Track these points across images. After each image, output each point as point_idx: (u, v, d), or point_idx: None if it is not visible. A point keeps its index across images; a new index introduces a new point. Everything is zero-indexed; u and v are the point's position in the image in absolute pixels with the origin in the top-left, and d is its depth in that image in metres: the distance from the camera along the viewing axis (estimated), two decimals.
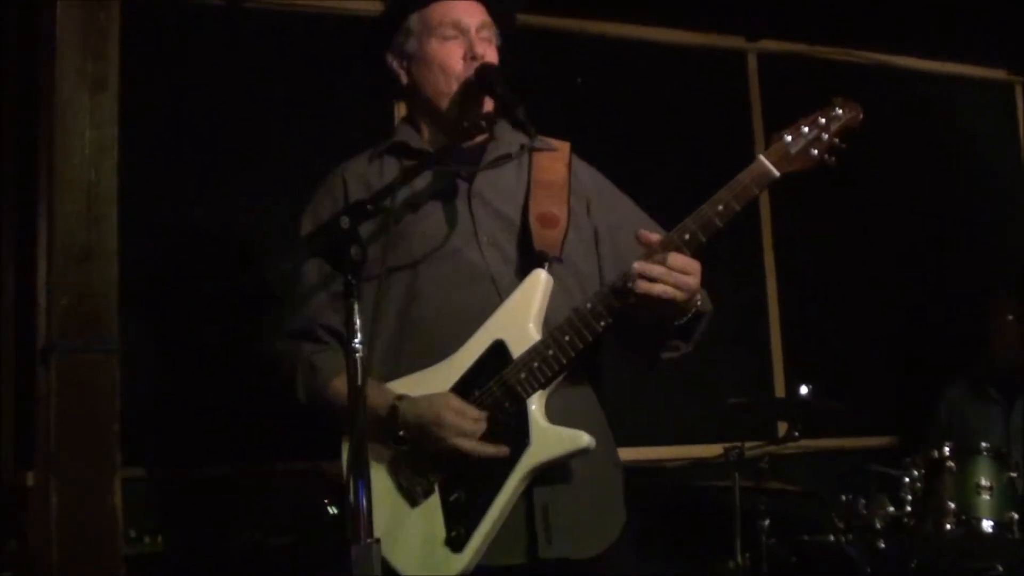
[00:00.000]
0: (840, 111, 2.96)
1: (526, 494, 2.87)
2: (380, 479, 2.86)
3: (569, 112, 5.63)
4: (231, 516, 4.66)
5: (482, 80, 3.02)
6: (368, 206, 2.59)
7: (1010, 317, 6.03)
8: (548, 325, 2.91)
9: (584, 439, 2.82)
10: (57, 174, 2.94)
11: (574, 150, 3.31)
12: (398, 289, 2.98)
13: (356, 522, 2.34)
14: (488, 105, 3.04)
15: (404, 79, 3.17)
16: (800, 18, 6.30)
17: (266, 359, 3.11)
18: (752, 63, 6.46)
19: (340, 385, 2.86)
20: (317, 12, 5.20)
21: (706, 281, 2.93)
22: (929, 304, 6.52)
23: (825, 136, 2.92)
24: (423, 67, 3.11)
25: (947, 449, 5.03)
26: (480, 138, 3.13)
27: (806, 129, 2.93)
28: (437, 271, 2.99)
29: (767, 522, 5.12)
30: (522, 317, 2.91)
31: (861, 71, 6.68)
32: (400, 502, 2.87)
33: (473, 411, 2.85)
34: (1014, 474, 5.00)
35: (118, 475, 2.85)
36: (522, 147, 3.16)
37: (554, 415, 2.88)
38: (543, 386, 2.86)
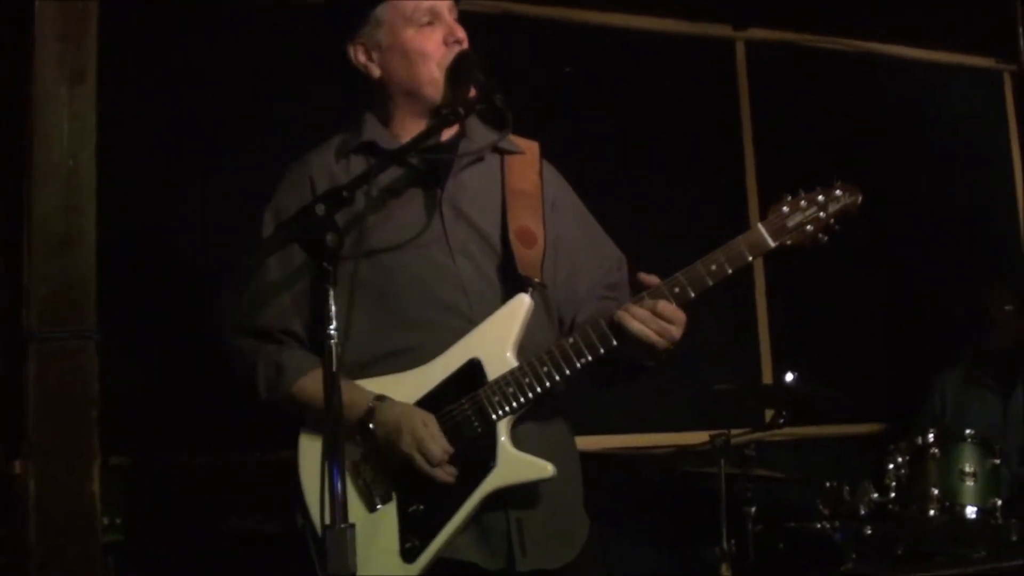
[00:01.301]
0: (840, 194, 3.01)
1: (501, 505, 2.93)
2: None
3: (556, 101, 5.65)
4: (215, 504, 4.67)
5: (461, 67, 3.02)
6: (344, 193, 2.59)
7: (1008, 307, 6.06)
8: (521, 346, 2.96)
9: (547, 469, 2.89)
10: (36, 164, 2.95)
11: (553, 145, 3.32)
12: (365, 283, 2.97)
13: (331, 508, 2.36)
14: (467, 92, 3.03)
15: (375, 72, 3.13)
16: (788, 6, 6.31)
17: (224, 352, 3.10)
18: (740, 51, 6.47)
19: (307, 384, 2.94)
20: (301, 3, 5.20)
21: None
22: (918, 291, 6.54)
23: (822, 215, 2.98)
24: (400, 56, 3.08)
25: (931, 436, 5.06)
26: (451, 134, 3.12)
27: (804, 204, 2.98)
28: (407, 268, 3.00)
29: (753, 509, 5.15)
30: (501, 340, 2.95)
31: (849, 59, 6.70)
32: (358, 504, 2.89)
33: (446, 444, 2.88)
34: (998, 461, 5.03)
35: (97, 462, 2.87)
36: (494, 148, 3.17)
37: (524, 437, 2.94)
38: (514, 412, 2.91)
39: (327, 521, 2.36)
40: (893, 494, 5.03)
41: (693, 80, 6.28)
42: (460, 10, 3.18)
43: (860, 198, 3.02)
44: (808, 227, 2.96)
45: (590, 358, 2.93)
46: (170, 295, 4.70)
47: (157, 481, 4.66)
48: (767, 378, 6.15)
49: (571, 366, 2.92)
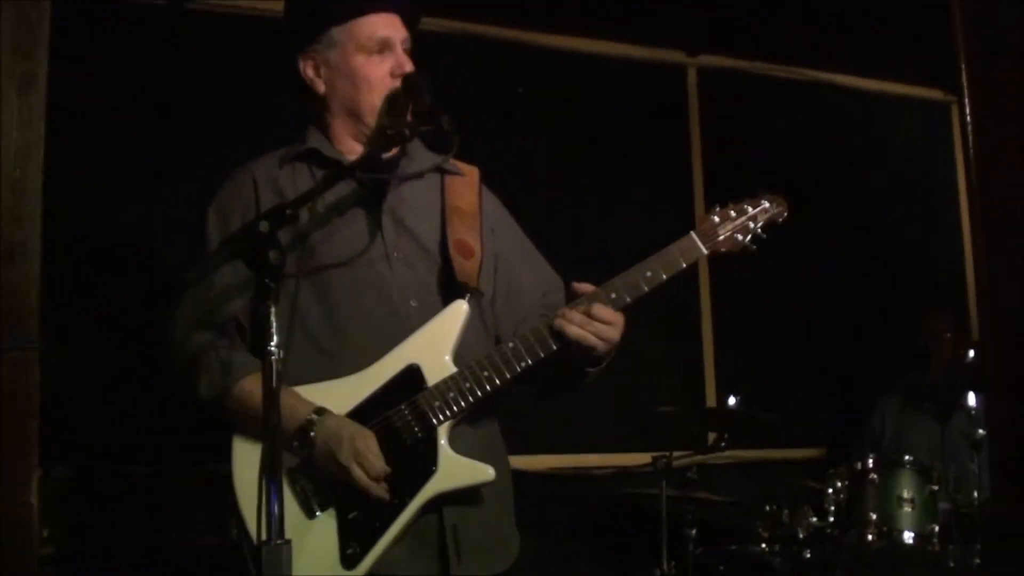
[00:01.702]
0: (767, 204, 3.16)
1: (437, 513, 2.95)
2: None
3: (510, 121, 5.69)
4: (154, 515, 4.66)
5: (409, 89, 3.04)
6: (288, 211, 2.61)
7: (948, 334, 6.14)
8: (457, 354, 2.99)
9: (489, 473, 2.93)
10: None
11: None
12: (307, 295, 2.99)
13: (267, 524, 2.37)
14: (411, 115, 3.06)
15: (321, 88, 3.16)
16: (740, 34, 6.37)
17: (169, 350, 3.10)
18: (692, 77, 6.54)
19: (249, 385, 2.93)
20: (260, 14, 5.20)
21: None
22: (861, 318, 6.61)
23: (751, 225, 3.13)
24: (346, 80, 3.12)
25: (870, 461, 5.12)
26: (393, 152, 3.15)
27: (733, 214, 3.11)
28: (346, 279, 3.02)
29: (694, 531, 5.18)
30: (440, 346, 2.98)
31: (800, 87, 6.78)
32: (297, 511, 2.90)
33: (382, 465, 2.88)
34: (936, 487, 5.08)
35: (36, 474, 2.85)
36: (436, 168, 3.21)
37: (458, 442, 2.96)
38: (455, 416, 2.94)
39: (263, 537, 2.36)
40: (832, 518, 5.10)
41: (645, 104, 6.33)
42: (419, 29, 3.22)
43: (786, 209, 3.18)
44: (738, 235, 3.10)
45: (529, 362, 2.96)
46: (112, 306, 4.70)
47: (97, 492, 4.65)
48: (711, 401, 6.18)
49: (511, 370, 2.95)
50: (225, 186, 3.18)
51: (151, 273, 4.64)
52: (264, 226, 2.53)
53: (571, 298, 3.04)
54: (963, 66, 3.31)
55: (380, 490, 2.87)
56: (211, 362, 3.01)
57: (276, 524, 2.37)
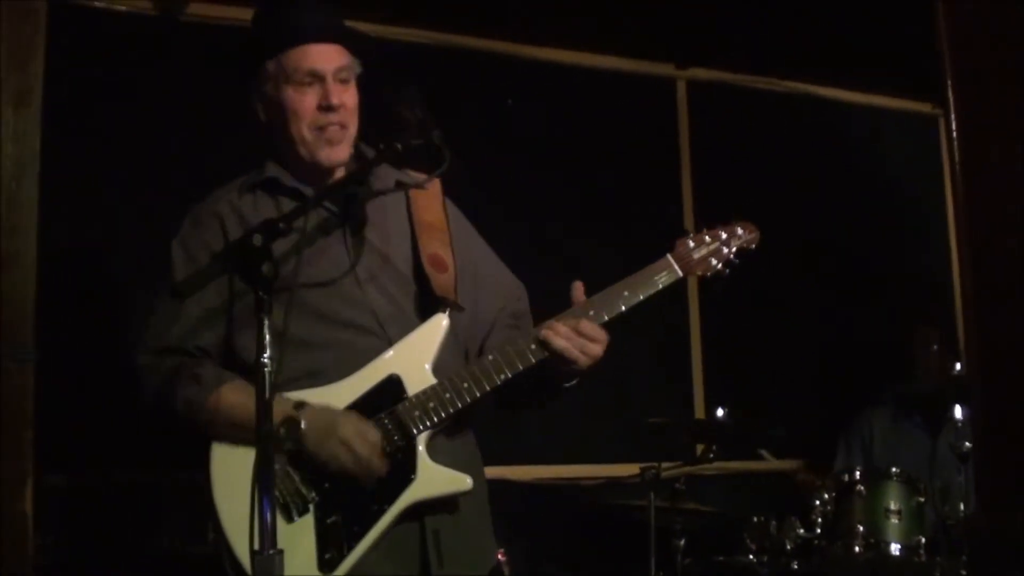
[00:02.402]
0: (741, 232, 3.26)
1: (417, 517, 2.99)
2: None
3: (499, 134, 5.71)
4: (144, 523, 4.67)
5: (399, 102, 3.06)
6: (280, 224, 2.64)
7: (935, 347, 6.17)
8: (436, 366, 3.03)
9: (467, 482, 2.98)
10: None
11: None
12: (279, 315, 2.99)
13: (260, 534, 2.40)
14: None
15: (263, 117, 3.20)
16: (730, 47, 6.40)
17: (137, 372, 3.11)
18: (681, 90, 6.56)
19: (227, 393, 2.97)
20: (242, 27, 5.22)
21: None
22: (849, 331, 6.63)
23: (724, 250, 3.22)
24: (279, 112, 3.14)
25: (858, 473, 5.15)
26: (335, 162, 3.18)
27: (708, 239, 3.22)
28: (315, 302, 3.04)
29: (682, 541, 5.19)
30: (420, 357, 3.03)
31: (788, 100, 6.81)
32: (276, 515, 2.91)
33: (372, 433, 2.93)
34: (923, 499, 5.12)
35: (29, 482, 2.88)
36: (399, 184, 3.23)
37: (436, 451, 3.00)
38: (434, 426, 2.99)
39: (256, 547, 2.39)
40: (819, 530, 5.12)
41: (635, 117, 6.35)
42: (406, 41, 3.25)
43: (758, 238, 3.27)
44: (712, 260, 3.20)
45: (510, 375, 3.01)
46: (103, 316, 4.72)
47: (88, 501, 4.66)
48: (699, 413, 6.20)
49: (491, 383, 3.00)
50: (187, 223, 3.20)
51: (143, 285, 4.66)
52: (257, 239, 2.57)
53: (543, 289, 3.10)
54: (948, 80, 3.35)
55: (380, 464, 2.91)
56: (183, 379, 3.02)
57: (269, 534, 2.40)
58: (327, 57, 3.13)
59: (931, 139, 7.14)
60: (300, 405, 2.93)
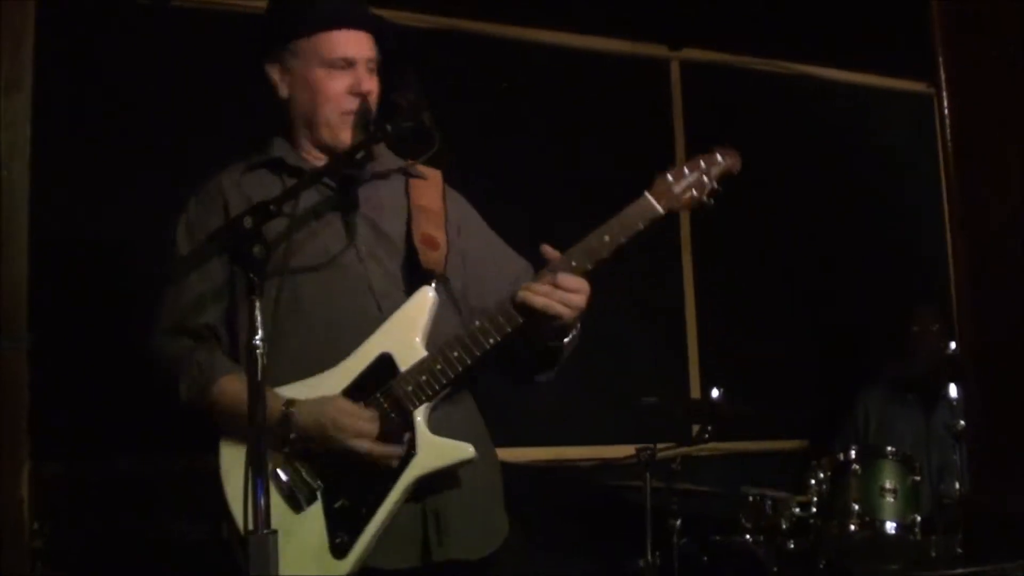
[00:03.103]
0: (720, 158, 3.14)
1: (418, 499, 2.98)
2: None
3: (491, 116, 5.70)
4: (142, 510, 4.68)
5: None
6: (271, 207, 2.65)
7: (934, 327, 6.18)
8: (430, 340, 3.02)
9: (469, 450, 2.95)
10: None
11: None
12: (277, 295, 2.99)
13: (254, 515, 2.41)
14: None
15: (284, 92, 3.21)
16: (723, 28, 6.40)
17: (147, 354, 3.13)
18: (675, 71, 6.53)
19: (226, 385, 2.98)
20: (245, 11, 5.21)
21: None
22: (844, 311, 6.64)
23: (705, 179, 3.10)
24: (306, 90, 3.16)
25: (853, 452, 5.16)
26: (359, 155, 3.16)
27: (687, 171, 3.11)
28: (317, 279, 3.06)
29: (678, 522, 5.20)
30: (409, 331, 3.01)
31: (783, 81, 6.79)
32: (285, 508, 2.92)
33: (365, 412, 2.93)
34: (918, 478, 5.13)
35: (26, 468, 2.89)
36: (401, 170, 3.27)
37: (437, 426, 2.98)
38: (429, 399, 2.97)
39: (250, 527, 2.40)
40: (815, 509, 5.13)
41: (628, 99, 6.34)
42: (400, 24, 3.25)
43: (739, 161, 3.16)
44: (693, 191, 3.08)
45: (498, 338, 2.98)
46: (99, 303, 4.72)
47: (85, 488, 4.66)
48: (695, 393, 6.21)
49: (480, 347, 2.97)
50: (192, 202, 3.21)
51: (138, 271, 4.66)
52: (248, 222, 2.58)
53: (542, 264, 3.04)
54: (940, 60, 3.36)
55: (383, 449, 2.92)
56: (189, 365, 3.04)
57: (262, 514, 2.41)
58: (361, 45, 3.16)
59: (926, 118, 7.13)
60: (291, 403, 2.93)
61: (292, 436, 2.90)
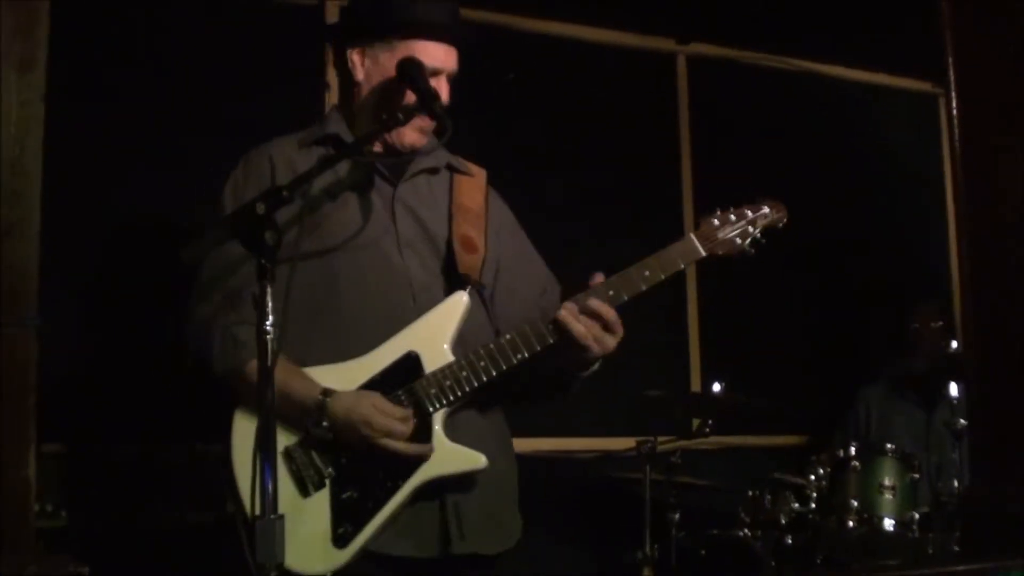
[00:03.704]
0: (767, 211, 3.22)
1: (439, 494, 3.02)
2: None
3: (498, 107, 5.70)
4: (147, 493, 4.69)
5: (403, 73, 3.09)
6: (284, 192, 2.66)
7: (936, 324, 6.19)
8: (459, 344, 3.05)
9: (481, 461, 3.00)
10: None
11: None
12: (312, 275, 3.05)
13: (261, 500, 2.42)
14: (408, 98, 3.11)
15: (360, 74, 3.23)
16: (731, 22, 6.39)
17: (184, 327, 3.17)
18: (682, 65, 6.54)
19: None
20: None
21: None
22: (846, 308, 6.65)
23: (751, 229, 3.19)
24: (387, 82, 3.18)
25: (852, 449, 5.18)
26: (411, 147, 3.22)
27: (733, 218, 3.18)
28: (354, 260, 3.09)
29: (677, 515, 5.23)
30: (439, 334, 3.04)
31: (790, 77, 6.80)
32: (292, 489, 2.95)
33: (399, 411, 2.96)
34: (917, 475, 5.15)
35: (32, 448, 2.89)
36: (448, 166, 3.31)
37: (463, 428, 3.04)
38: (450, 404, 3.01)
39: (257, 512, 2.41)
40: (813, 504, 5.15)
41: (635, 92, 6.34)
42: None
43: (786, 216, 3.24)
44: (737, 239, 3.16)
45: (526, 354, 3.02)
46: (105, 286, 4.73)
47: (92, 469, 4.68)
48: (695, 386, 6.22)
49: (507, 361, 3.01)
50: (241, 165, 3.24)
51: (146, 254, 4.67)
52: (260, 207, 2.58)
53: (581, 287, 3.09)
54: (950, 59, 3.36)
55: (414, 448, 2.95)
56: (224, 339, 3.06)
57: (270, 499, 2.42)
58: (451, 59, 3.24)
59: (931, 118, 7.15)
60: (328, 392, 2.96)
61: (324, 424, 2.92)
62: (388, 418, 2.93)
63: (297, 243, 2.92)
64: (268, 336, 2.48)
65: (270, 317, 2.48)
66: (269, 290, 2.49)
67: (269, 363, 2.47)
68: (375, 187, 3.18)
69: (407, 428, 2.95)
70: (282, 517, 2.42)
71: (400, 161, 3.22)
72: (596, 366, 3.18)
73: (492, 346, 3.02)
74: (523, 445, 5.47)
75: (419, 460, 2.96)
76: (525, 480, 3.37)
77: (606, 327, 3.02)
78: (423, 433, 2.98)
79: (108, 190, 4.81)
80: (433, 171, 3.29)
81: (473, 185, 3.33)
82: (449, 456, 2.99)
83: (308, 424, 2.94)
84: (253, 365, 2.96)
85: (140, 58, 4.98)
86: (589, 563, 5.70)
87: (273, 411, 2.47)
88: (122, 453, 4.72)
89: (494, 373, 3.01)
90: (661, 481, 5.20)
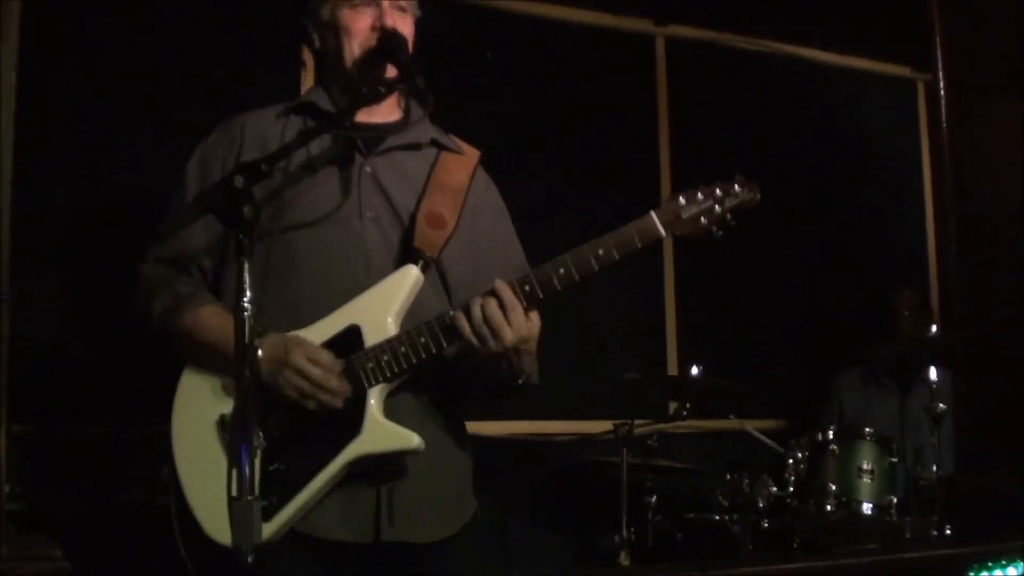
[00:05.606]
0: (739, 189, 2.95)
1: (374, 479, 2.93)
2: (208, 432, 2.92)
3: (475, 87, 5.66)
4: (116, 474, 4.64)
5: (384, 47, 3.04)
6: (263, 166, 2.59)
7: (915, 309, 6.21)
8: (408, 321, 2.95)
9: (414, 441, 2.87)
10: None
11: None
12: (275, 250, 2.99)
13: (238, 481, 2.36)
14: (390, 72, 3.05)
15: (317, 43, 3.20)
16: (710, 5, 6.37)
17: (134, 282, 3.11)
18: (660, 47, 6.50)
19: (206, 317, 2.96)
20: None
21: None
22: (823, 292, 6.64)
23: (718, 209, 2.93)
24: (332, 33, 3.13)
25: (831, 432, 5.17)
26: (394, 118, 3.17)
27: (701, 197, 2.93)
28: (314, 231, 3.02)
29: (654, 498, 5.23)
30: (383, 308, 2.93)
31: (768, 61, 6.77)
32: (222, 458, 2.84)
33: (324, 356, 2.87)
34: (895, 459, 5.15)
35: (4, 427, 2.84)
36: (434, 142, 3.22)
37: (397, 409, 2.93)
38: (387, 380, 2.90)
39: (234, 493, 2.36)
40: (791, 488, 5.14)
41: (612, 73, 6.30)
42: None
43: (758, 195, 2.98)
44: (702, 219, 2.92)
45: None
46: (74, 264, 4.68)
47: (57, 449, 4.63)
48: (672, 370, 6.18)
49: (449, 339, 2.89)
50: (211, 136, 3.18)
51: (117, 231, 4.61)
52: (239, 181, 2.51)
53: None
54: (937, 40, 3.33)
55: (338, 385, 2.86)
56: (168, 290, 3.02)
57: (247, 481, 2.37)
58: None
59: (909, 103, 7.15)
60: (259, 334, 2.81)
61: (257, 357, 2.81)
62: (315, 350, 2.86)
63: (269, 220, 2.87)
64: (246, 313, 2.41)
65: (248, 293, 2.41)
66: (247, 266, 2.43)
67: (247, 340, 2.40)
68: (348, 161, 3.10)
69: (334, 364, 2.86)
70: (259, 498, 2.36)
71: (374, 135, 3.14)
72: (529, 378, 3.06)
73: (434, 322, 2.89)
74: (500, 428, 5.52)
75: (348, 438, 2.86)
76: (501, 464, 3.32)
77: (503, 308, 2.85)
78: (356, 409, 2.87)
79: (79, 166, 4.75)
80: (415, 147, 3.19)
81: (460, 163, 3.22)
82: (381, 435, 2.87)
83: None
84: (192, 315, 2.98)
85: (116, 35, 4.91)
86: (565, 546, 5.68)
87: (255, 390, 2.40)
88: (92, 433, 4.66)
89: (434, 351, 2.88)
90: (638, 464, 5.19)
